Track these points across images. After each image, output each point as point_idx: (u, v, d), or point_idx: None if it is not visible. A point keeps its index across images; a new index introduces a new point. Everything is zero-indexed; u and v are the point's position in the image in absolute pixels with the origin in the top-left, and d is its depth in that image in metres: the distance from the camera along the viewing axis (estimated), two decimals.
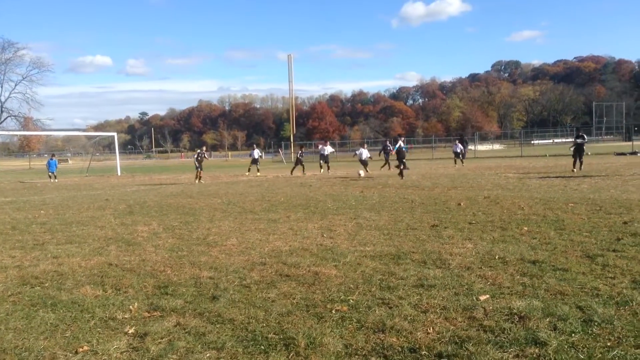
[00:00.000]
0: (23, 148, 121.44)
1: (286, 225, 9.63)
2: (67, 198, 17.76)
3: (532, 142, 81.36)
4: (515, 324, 4.02)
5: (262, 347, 3.82)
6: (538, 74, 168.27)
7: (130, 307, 4.86)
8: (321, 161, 28.07)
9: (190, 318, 4.50)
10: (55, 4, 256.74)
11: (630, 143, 49.09)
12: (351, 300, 4.81)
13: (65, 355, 3.82)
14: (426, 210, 10.81)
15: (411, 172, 21.32)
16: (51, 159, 31.67)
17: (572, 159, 21.48)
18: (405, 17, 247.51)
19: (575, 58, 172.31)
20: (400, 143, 22.10)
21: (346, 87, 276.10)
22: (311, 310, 4.59)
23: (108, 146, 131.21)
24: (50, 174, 30.77)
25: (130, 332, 4.22)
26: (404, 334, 3.95)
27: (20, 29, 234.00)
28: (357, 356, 3.61)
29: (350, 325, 4.17)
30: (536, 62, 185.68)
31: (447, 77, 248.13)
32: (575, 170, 20.53)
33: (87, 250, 7.85)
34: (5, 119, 77.35)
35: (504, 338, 3.76)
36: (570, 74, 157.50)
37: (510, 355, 3.48)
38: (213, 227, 9.74)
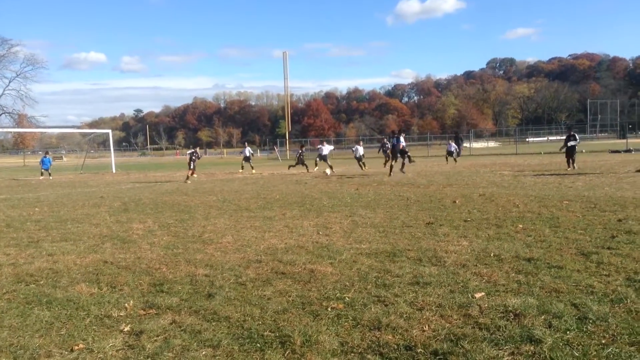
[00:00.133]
0: (17, 145, 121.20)
1: (282, 222, 9.62)
2: (61, 195, 17.70)
3: (527, 139, 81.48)
4: (511, 322, 4.03)
5: (258, 344, 3.82)
6: (533, 71, 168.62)
7: (126, 304, 4.85)
8: (317, 159, 28.01)
9: (186, 316, 4.50)
10: (49, 1, 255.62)
11: (624, 140, 49.28)
12: (347, 298, 4.81)
13: (61, 353, 3.81)
14: (421, 208, 10.83)
15: (406, 170, 21.30)
16: (45, 157, 31.53)
17: (566, 159, 21.56)
18: (400, 14, 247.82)
19: (570, 55, 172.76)
20: (402, 139, 22.18)
21: (341, 85, 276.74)
22: (307, 307, 4.60)
23: (103, 143, 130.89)
24: (43, 171, 30.62)
25: (125, 329, 4.21)
26: (399, 331, 3.95)
27: (14, 26, 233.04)
28: (352, 354, 3.62)
29: (346, 323, 4.17)
30: (531, 59, 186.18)
31: (442, 74, 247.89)
32: (570, 168, 20.61)
33: (82, 247, 7.83)
34: None
35: (499, 335, 3.78)
36: (565, 72, 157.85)
37: (506, 353, 3.50)
38: (208, 224, 9.72)
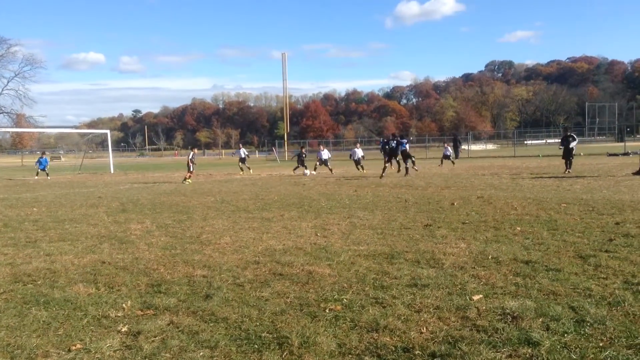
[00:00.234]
0: (15, 145, 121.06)
1: (280, 224, 9.62)
2: (59, 195, 17.67)
3: (525, 142, 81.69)
4: (508, 324, 4.03)
5: (256, 346, 3.82)
6: (531, 74, 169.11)
7: (124, 305, 4.84)
8: (317, 163, 27.98)
9: (184, 317, 4.49)
10: (47, 1, 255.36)
11: (622, 144, 49.36)
12: (345, 300, 4.81)
13: (58, 353, 3.81)
14: (420, 210, 10.83)
15: (404, 172, 21.32)
16: (42, 157, 31.46)
17: (564, 161, 21.44)
18: (400, 16, 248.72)
19: (568, 59, 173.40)
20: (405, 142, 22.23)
21: (340, 86, 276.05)
22: (305, 309, 4.59)
23: (101, 143, 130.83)
24: (39, 171, 30.52)
25: (123, 330, 4.21)
26: (397, 333, 3.95)
27: (13, 26, 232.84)
28: (350, 355, 3.62)
29: (344, 325, 4.17)
30: (529, 62, 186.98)
31: (440, 76, 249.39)
32: (568, 170, 20.56)
33: (80, 248, 7.82)
34: None
35: (497, 338, 3.78)
36: (564, 75, 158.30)
37: (504, 355, 3.50)
38: (206, 225, 9.72)
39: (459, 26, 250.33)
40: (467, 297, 4.73)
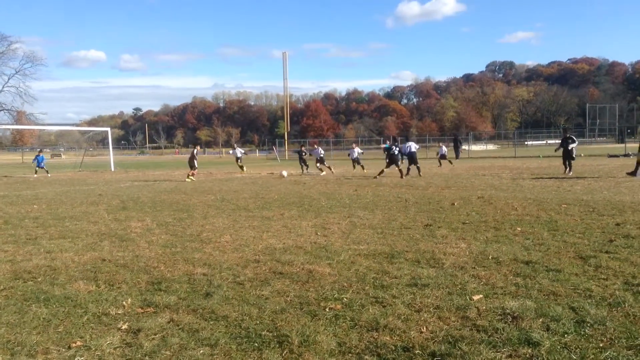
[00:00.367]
0: (16, 142, 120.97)
1: (280, 222, 9.62)
2: (60, 193, 17.68)
3: (526, 142, 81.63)
4: (509, 324, 4.03)
5: (256, 344, 3.82)
6: (532, 74, 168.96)
7: (124, 302, 4.85)
8: (317, 164, 27.98)
9: (184, 314, 4.49)
10: None
11: (622, 145, 49.33)
12: (345, 299, 4.81)
13: (58, 350, 3.81)
14: (420, 210, 10.83)
15: (404, 172, 21.30)
16: (38, 155, 31.40)
17: (563, 161, 21.37)
18: (400, 16, 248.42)
19: (569, 60, 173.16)
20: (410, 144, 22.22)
21: (341, 86, 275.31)
22: (305, 308, 4.60)
23: (101, 141, 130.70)
24: (37, 169, 30.45)
25: (123, 327, 4.21)
26: (397, 332, 3.95)
27: (14, 23, 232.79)
28: (350, 354, 3.62)
29: (344, 324, 4.17)
30: (530, 63, 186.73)
31: (441, 76, 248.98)
32: (567, 171, 20.50)
33: (80, 245, 7.83)
34: None
35: (497, 338, 3.78)
36: (564, 75, 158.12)
37: (504, 355, 3.50)
38: (207, 223, 9.72)
39: (459, 26, 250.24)
40: (467, 297, 4.73)
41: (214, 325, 4.21)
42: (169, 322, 4.32)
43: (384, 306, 4.58)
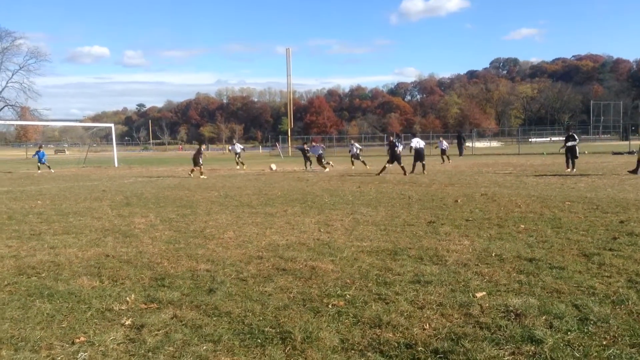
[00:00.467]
0: (20, 138, 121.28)
1: (283, 219, 9.63)
2: (63, 189, 17.72)
3: (530, 139, 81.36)
4: (512, 322, 4.03)
5: (259, 340, 3.82)
6: (536, 71, 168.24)
7: (127, 298, 4.86)
8: (322, 161, 28.02)
9: (187, 310, 4.50)
10: None
11: (627, 142, 49.16)
12: (348, 295, 4.81)
13: (62, 346, 3.82)
14: (423, 207, 10.82)
15: (407, 169, 21.25)
16: (39, 150, 31.42)
17: (565, 158, 21.34)
18: (405, 12, 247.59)
19: (573, 56, 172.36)
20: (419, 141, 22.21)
21: (344, 82, 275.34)
22: (308, 304, 4.60)
23: (105, 137, 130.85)
24: (40, 165, 30.47)
25: (127, 323, 4.22)
26: (400, 329, 3.95)
27: (18, 18, 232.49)
28: (353, 351, 3.62)
29: (347, 320, 4.18)
30: (535, 59, 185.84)
31: (445, 73, 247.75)
32: (569, 170, 20.46)
33: (84, 241, 7.85)
34: (2, 109, 76.98)
35: (500, 335, 3.77)
36: (569, 72, 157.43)
37: (507, 353, 3.49)
38: (210, 220, 9.73)
39: (463, 23, 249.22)
40: (471, 294, 4.73)
41: (217, 321, 4.22)
42: (172, 318, 4.33)
43: (386, 303, 4.58)
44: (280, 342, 3.79)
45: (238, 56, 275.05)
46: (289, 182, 18.76)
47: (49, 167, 30.54)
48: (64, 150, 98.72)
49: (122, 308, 4.62)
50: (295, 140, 71.80)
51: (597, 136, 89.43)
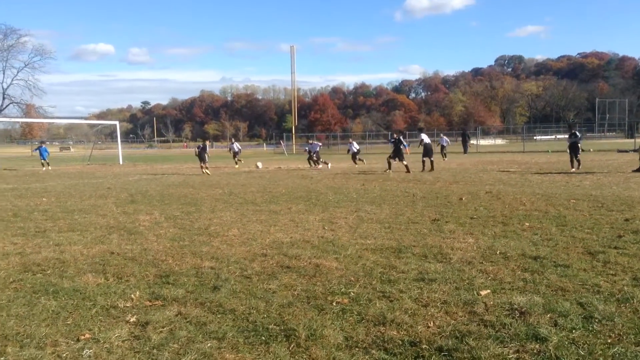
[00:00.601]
0: (25, 135, 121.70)
1: (287, 217, 9.63)
2: (68, 186, 17.78)
3: (535, 137, 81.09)
4: (516, 320, 4.02)
5: (263, 337, 3.83)
6: (541, 69, 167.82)
7: (132, 295, 4.87)
8: (321, 160, 28.09)
9: (192, 308, 4.51)
10: None
11: (632, 140, 48.96)
12: (352, 293, 4.81)
13: (67, 343, 3.83)
14: (427, 204, 10.81)
15: (412, 166, 21.21)
16: (40, 147, 31.48)
17: (570, 158, 21.21)
18: (409, 9, 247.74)
19: (578, 54, 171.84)
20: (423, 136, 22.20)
21: (348, 80, 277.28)
22: (312, 302, 4.60)
23: (110, 135, 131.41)
24: (43, 162, 30.52)
25: (131, 320, 4.23)
26: (404, 327, 3.95)
27: (23, 16, 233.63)
28: (357, 349, 3.62)
29: (351, 318, 4.18)
30: (540, 57, 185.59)
31: (450, 70, 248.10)
32: (574, 169, 20.33)
33: (89, 238, 7.87)
34: (7, 106, 77.34)
35: (505, 333, 3.77)
36: (574, 70, 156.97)
37: (511, 351, 3.49)
38: (214, 217, 9.75)
39: (468, 20, 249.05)
40: (475, 292, 4.72)
41: (221, 319, 4.23)
42: (176, 315, 4.34)
43: (391, 301, 4.58)
44: (284, 339, 3.80)
45: (242, 54, 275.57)
46: (293, 179, 18.77)
47: (47, 163, 30.51)
48: (69, 147, 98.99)
49: (127, 305, 4.63)
50: (300, 138, 71.82)
51: (603, 134, 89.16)
